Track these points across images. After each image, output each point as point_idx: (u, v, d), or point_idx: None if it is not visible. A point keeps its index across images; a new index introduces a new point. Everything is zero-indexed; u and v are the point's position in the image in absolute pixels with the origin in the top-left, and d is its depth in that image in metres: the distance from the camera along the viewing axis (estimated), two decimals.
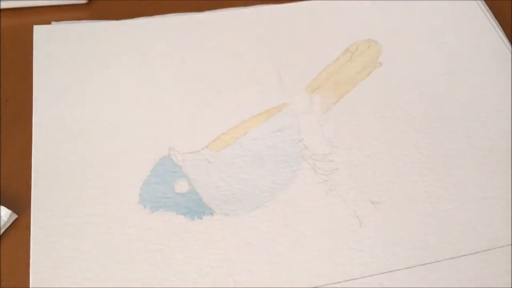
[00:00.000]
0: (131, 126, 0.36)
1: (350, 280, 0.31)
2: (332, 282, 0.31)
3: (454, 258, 0.32)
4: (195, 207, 0.33)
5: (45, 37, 0.39)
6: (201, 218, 0.33)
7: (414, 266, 0.32)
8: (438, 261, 0.32)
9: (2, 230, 0.32)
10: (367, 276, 0.31)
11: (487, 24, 0.42)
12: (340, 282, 0.31)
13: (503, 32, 0.42)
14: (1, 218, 0.32)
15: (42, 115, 0.36)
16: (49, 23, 0.41)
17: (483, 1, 0.43)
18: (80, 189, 0.33)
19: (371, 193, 0.34)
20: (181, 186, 0.34)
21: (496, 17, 0.42)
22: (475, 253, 0.32)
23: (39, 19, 0.41)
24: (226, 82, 0.38)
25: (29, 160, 0.34)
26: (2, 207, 0.33)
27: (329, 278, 0.31)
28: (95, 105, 0.37)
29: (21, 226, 0.33)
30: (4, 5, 0.41)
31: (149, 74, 0.38)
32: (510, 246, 0.33)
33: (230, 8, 0.42)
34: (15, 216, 0.33)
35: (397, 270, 0.32)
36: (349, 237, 0.32)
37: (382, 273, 0.31)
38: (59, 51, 0.39)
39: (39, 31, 0.40)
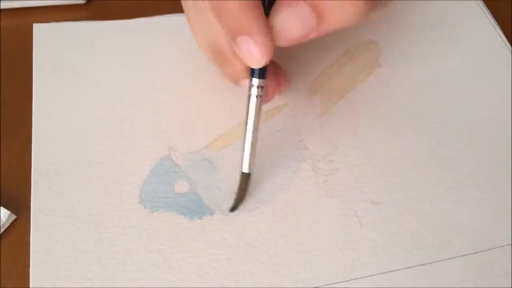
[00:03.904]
0: (131, 126, 0.36)
1: (350, 280, 0.31)
2: (332, 282, 0.31)
3: (454, 258, 0.32)
4: (195, 207, 0.33)
5: (45, 36, 0.39)
6: (201, 218, 0.33)
7: (414, 266, 0.32)
8: (438, 261, 0.32)
9: (2, 230, 0.32)
10: (367, 276, 0.31)
11: (487, 24, 0.42)
12: (340, 282, 0.31)
13: (503, 32, 0.42)
14: (0, 218, 0.32)
15: (42, 115, 0.36)
16: (48, 23, 0.41)
17: (482, 1, 0.43)
18: (80, 189, 0.33)
19: (371, 193, 0.34)
20: (181, 186, 0.34)
21: (495, 17, 0.42)
22: (475, 253, 0.32)
23: (38, 19, 0.41)
24: (227, 82, 0.38)
25: (28, 161, 0.34)
26: (1, 208, 0.32)
27: (329, 278, 0.31)
28: (95, 104, 0.37)
29: (20, 226, 0.33)
30: (4, 5, 0.41)
31: (149, 73, 0.38)
32: (510, 246, 0.33)
33: None
34: (14, 216, 0.33)
35: (397, 270, 0.32)
36: (349, 237, 0.32)
37: (382, 273, 0.31)
38: (59, 50, 0.39)
39: (38, 29, 0.40)
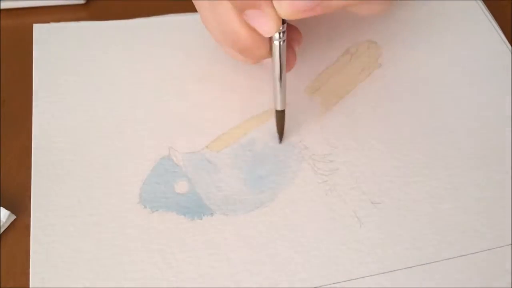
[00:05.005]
0: (131, 126, 0.36)
1: (350, 280, 0.31)
2: (332, 282, 0.31)
3: (454, 258, 0.32)
4: (195, 207, 0.33)
5: (45, 36, 0.39)
6: (201, 218, 0.33)
7: (414, 266, 0.32)
8: (438, 261, 0.32)
9: (2, 231, 0.32)
10: (367, 276, 0.31)
11: (487, 24, 0.42)
12: (340, 282, 0.31)
13: (503, 32, 0.42)
14: (0, 219, 0.32)
15: (42, 114, 0.36)
16: (48, 23, 0.41)
17: (482, 1, 0.43)
18: (80, 189, 0.33)
19: (371, 193, 0.34)
20: (181, 186, 0.34)
21: (495, 17, 0.42)
22: (475, 253, 0.32)
23: (38, 20, 0.41)
24: (227, 82, 0.38)
25: (28, 161, 0.34)
26: (1, 208, 0.32)
27: (329, 278, 0.31)
28: (95, 104, 0.37)
29: (20, 227, 0.33)
30: (4, 5, 0.41)
31: (149, 74, 0.38)
32: (510, 246, 0.33)
33: None
34: (13, 217, 0.33)
35: (397, 270, 0.32)
36: (349, 237, 0.32)
37: (382, 273, 0.31)
38: (59, 51, 0.39)
39: (38, 29, 0.40)
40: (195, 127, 0.36)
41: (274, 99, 0.34)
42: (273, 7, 0.30)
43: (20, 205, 0.33)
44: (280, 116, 0.35)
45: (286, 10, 0.30)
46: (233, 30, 0.33)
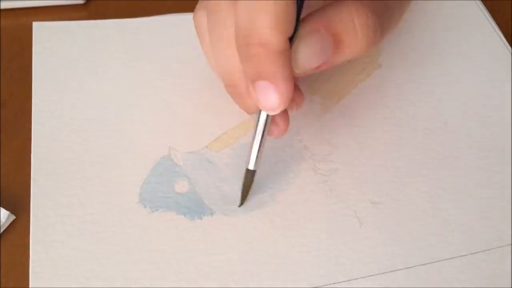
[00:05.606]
0: (131, 125, 0.36)
1: (350, 280, 0.31)
2: (332, 282, 0.31)
3: (454, 258, 0.32)
4: (195, 207, 0.33)
5: (44, 34, 0.39)
6: (201, 218, 0.33)
7: (414, 266, 0.32)
8: (438, 261, 0.32)
9: (1, 231, 0.32)
10: (367, 276, 0.31)
11: (486, 24, 0.42)
12: (340, 282, 0.31)
13: (502, 32, 0.42)
14: (0, 219, 0.32)
15: (42, 113, 0.36)
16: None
17: (481, 1, 0.43)
18: (80, 188, 0.33)
19: (371, 193, 0.34)
20: (181, 186, 0.34)
21: (495, 17, 0.42)
22: (475, 253, 0.32)
23: (38, 19, 0.41)
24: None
25: (27, 162, 0.34)
26: (1, 208, 0.32)
27: (329, 278, 0.31)
28: (94, 104, 0.36)
29: (19, 227, 0.33)
30: (4, 5, 0.41)
31: (148, 73, 0.38)
32: (510, 246, 0.33)
33: None
34: (13, 217, 0.33)
35: (397, 270, 0.32)
36: (349, 237, 0.32)
37: (382, 273, 0.31)
38: (58, 49, 0.39)
39: (38, 27, 0.39)
40: (195, 127, 0.36)
41: (248, 157, 0.32)
42: (287, 82, 0.27)
43: (19, 205, 0.33)
44: (250, 176, 0.32)
45: (301, 69, 0.28)
46: (231, 71, 0.31)
